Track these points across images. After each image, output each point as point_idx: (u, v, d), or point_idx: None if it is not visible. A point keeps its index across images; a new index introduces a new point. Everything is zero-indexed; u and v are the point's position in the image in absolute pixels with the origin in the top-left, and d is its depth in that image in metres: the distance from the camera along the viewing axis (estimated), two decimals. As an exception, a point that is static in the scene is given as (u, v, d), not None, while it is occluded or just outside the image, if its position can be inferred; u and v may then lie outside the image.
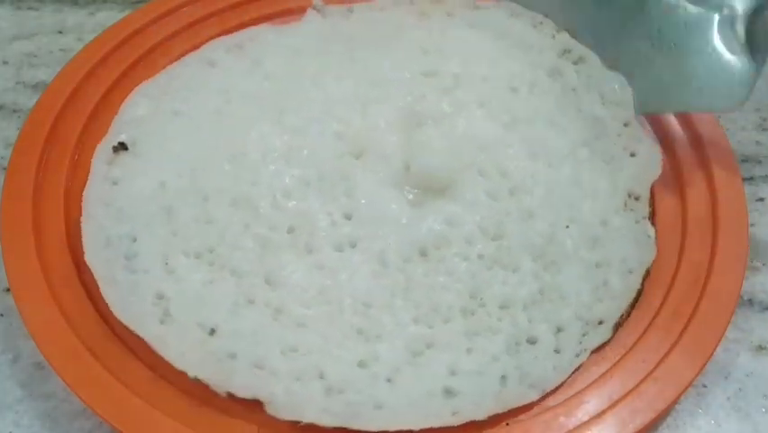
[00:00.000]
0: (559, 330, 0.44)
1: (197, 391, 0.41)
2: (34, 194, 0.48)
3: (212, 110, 0.54)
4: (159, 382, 0.42)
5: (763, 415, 0.44)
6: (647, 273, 0.46)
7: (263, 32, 0.59)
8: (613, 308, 0.45)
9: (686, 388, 0.42)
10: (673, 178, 0.51)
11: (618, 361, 0.43)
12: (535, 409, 0.41)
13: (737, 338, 0.47)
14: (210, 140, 0.52)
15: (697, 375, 0.42)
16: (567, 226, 0.48)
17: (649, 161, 0.50)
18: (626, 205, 0.49)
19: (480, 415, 0.40)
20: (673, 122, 0.54)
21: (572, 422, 0.41)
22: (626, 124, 0.52)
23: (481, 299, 0.45)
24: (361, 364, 0.42)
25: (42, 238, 0.46)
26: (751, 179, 0.55)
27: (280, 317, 0.44)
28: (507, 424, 0.41)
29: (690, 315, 0.44)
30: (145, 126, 0.52)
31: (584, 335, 0.44)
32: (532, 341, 0.43)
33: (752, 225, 0.51)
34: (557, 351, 0.43)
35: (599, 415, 0.41)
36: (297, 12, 0.60)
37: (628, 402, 0.41)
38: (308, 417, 0.40)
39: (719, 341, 0.43)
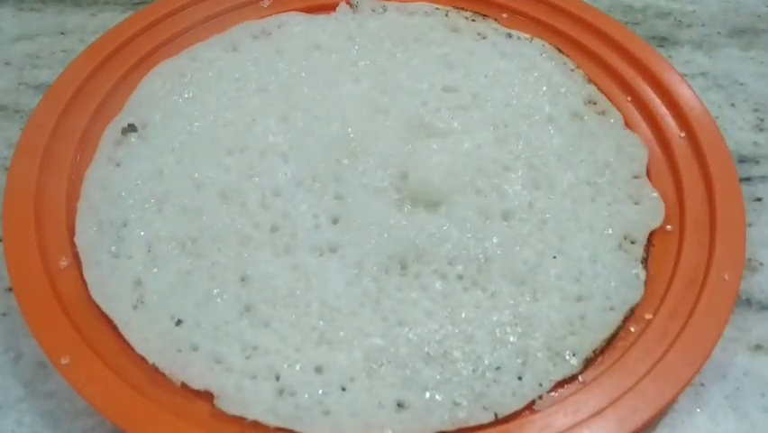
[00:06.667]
0: (526, 358, 0.43)
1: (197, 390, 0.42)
2: (36, 194, 0.48)
3: (224, 99, 0.54)
4: (160, 380, 0.42)
5: (760, 413, 0.44)
6: (631, 312, 0.45)
7: (292, 20, 0.59)
8: (585, 343, 0.43)
9: (684, 387, 0.42)
10: (671, 178, 0.51)
11: (618, 359, 0.43)
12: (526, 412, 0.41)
13: (735, 337, 0.47)
14: (215, 130, 0.52)
15: (695, 374, 0.42)
16: (554, 257, 0.47)
17: (651, 212, 0.49)
18: (620, 246, 0.48)
19: (428, 432, 0.40)
20: (671, 122, 0.54)
21: (572, 420, 0.40)
22: (635, 177, 0.51)
23: (452, 318, 0.44)
24: (318, 370, 0.42)
25: (44, 238, 0.46)
26: (748, 179, 0.55)
27: (247, 315, 0.44)
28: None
29: (688, 314, 0.44)
30: (157, 109, 0.53)
31: (553, 365, 0.43)
32: (496, 366, 0.42)
33: (749, 225, 0.50)
34: (520, 378, 0.42)
35: (599, 413, 0.40)
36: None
37: (627, 401, 0.41)
38: (253, 415, 0.40)
39: (717, 340, 0.43)
